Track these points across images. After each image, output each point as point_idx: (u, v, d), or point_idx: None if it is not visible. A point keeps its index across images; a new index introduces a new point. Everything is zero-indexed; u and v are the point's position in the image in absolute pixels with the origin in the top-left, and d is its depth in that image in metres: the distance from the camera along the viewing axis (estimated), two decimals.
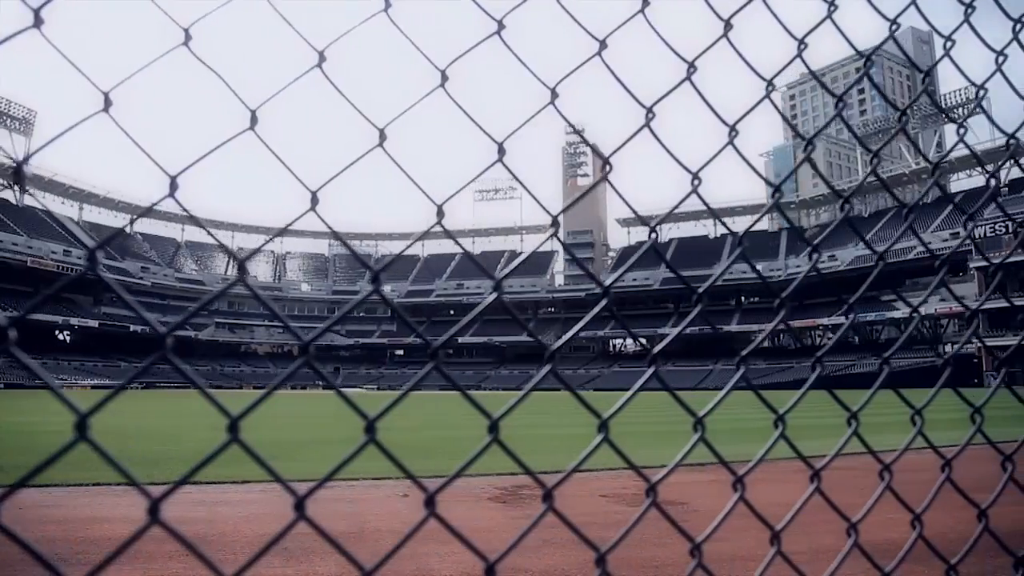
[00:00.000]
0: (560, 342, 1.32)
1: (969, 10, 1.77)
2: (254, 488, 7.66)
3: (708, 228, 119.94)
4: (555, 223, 1.36)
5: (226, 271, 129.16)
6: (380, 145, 1.18)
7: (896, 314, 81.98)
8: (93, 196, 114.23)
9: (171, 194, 1.03)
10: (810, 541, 4.35)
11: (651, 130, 1.42)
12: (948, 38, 1.83)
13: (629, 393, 1.37)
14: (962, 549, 1.92)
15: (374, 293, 1.12)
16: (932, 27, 1.82)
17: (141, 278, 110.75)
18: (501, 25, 1.27)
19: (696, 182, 1.53)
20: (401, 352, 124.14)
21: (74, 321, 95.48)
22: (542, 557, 4.75)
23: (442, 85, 1.22)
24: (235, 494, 7.40)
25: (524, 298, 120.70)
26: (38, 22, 1.06)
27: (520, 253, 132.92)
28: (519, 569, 4.54)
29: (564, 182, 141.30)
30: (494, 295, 1.20)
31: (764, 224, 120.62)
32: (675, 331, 1.57)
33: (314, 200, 1.13)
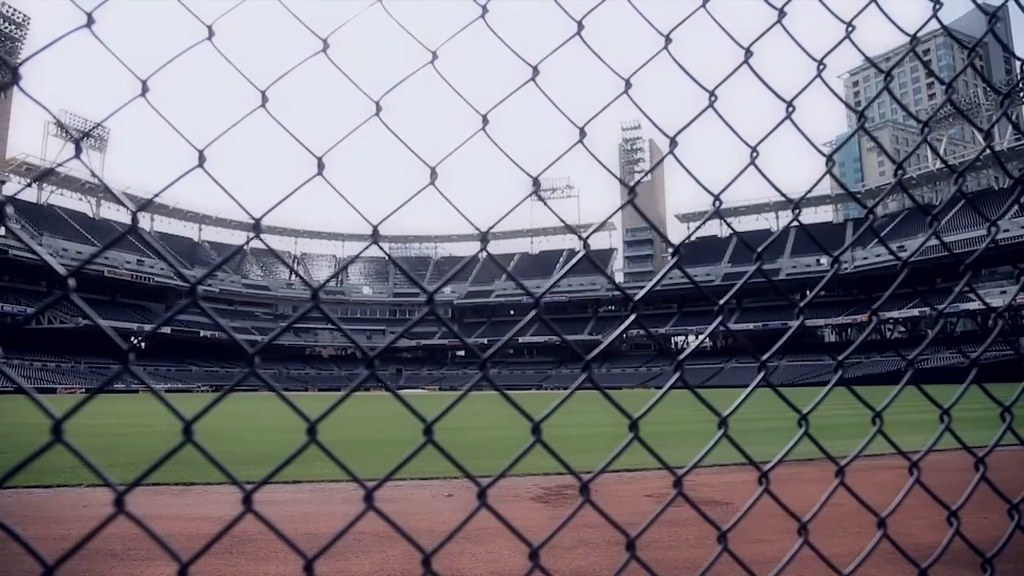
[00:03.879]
0: (686, 353, 1.52)
1: None
2: (304, 488, 7.86)
3: (770, 222, 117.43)
4: (677, 252, 1.55)
5: (289, 277, 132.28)
6: (533, 186, 1.40)
7: (972, 306, 78.79)
8: (163, 208, 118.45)
9: (374, 239, 1.27)
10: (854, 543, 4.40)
11: (757, 168, 1.60)
12: (1021, 59, 1.95)
13: (746, 392, 1.56)
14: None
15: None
16: (1011, 54, 1.94)
17: (209, 285, 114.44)
18: (629, 83, 1.48)
19: (797, 211, 1.70)
20: (462, 353, 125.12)
21: (148, 328, 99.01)
22: (575, 558, 4.73)
23: (580, 141, 1.44)
24: (285, 494, 7.59)
25: (584, 296, 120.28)
26: (264, 100, 1.31)
27: (578, 252, 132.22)
28: (552, 569, 4.51)
29: (622, 179, 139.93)
30: (633, 316, 1.40)
31: (829, 215, 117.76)
32: (778, 337, 1.74)
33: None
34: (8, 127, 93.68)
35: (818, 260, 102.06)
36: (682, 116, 1.63)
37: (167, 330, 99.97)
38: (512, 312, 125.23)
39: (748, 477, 8.29)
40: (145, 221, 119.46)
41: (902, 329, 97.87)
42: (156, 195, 1.32)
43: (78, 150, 1.26)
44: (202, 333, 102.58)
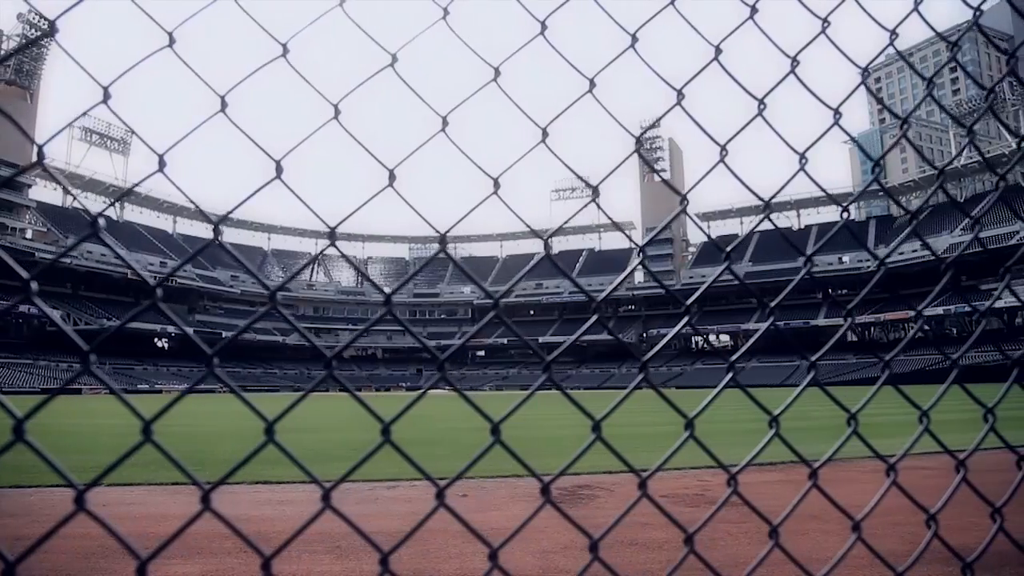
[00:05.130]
0: (649, 355, 1.51)
1: None
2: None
3: (791, 219, 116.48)
4: (641, 251, 1.54)
5: (311, 277, 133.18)
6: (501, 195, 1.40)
7: (998, 304, 77.58)
8: (185, 210, 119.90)
9: (331, 241, 1.27)
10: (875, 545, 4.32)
11: (727, 165, 1.59)
12: (1005, 52, 1.92)
13: (714, 392, 1.54)
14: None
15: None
16: (998, 47, 1.91)
17: (232, 286, 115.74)
18: (593, 83, 1.47)
19: (767, 211, 1.68)
20: (482, 353, 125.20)
21: (171, 329, 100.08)
22: (588, 558, 4.68)
23: (543, 141, 1.44)
24: (303, 493, 7.62)
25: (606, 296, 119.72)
26: (224, 106, 1.32)
27: (598, 251, 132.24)
28: (561, 570, 4.52)
29: (641, 178, 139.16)
30: (595, 317, 1.39)
31: (852, 213, 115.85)
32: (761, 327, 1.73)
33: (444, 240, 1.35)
34: (34, 131, 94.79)
35: (840, 258, 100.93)
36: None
37: (190, 331, 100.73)
38: (532, 312, 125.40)
39: (768, 477, 8.22)
40: (168, 223, 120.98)
41: (926, 327, 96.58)
42: (119, 198, 1.33)
43: (40, 156, 1.28)
44: (224, 335, 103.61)
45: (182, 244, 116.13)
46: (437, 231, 1.36)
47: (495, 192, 1.39)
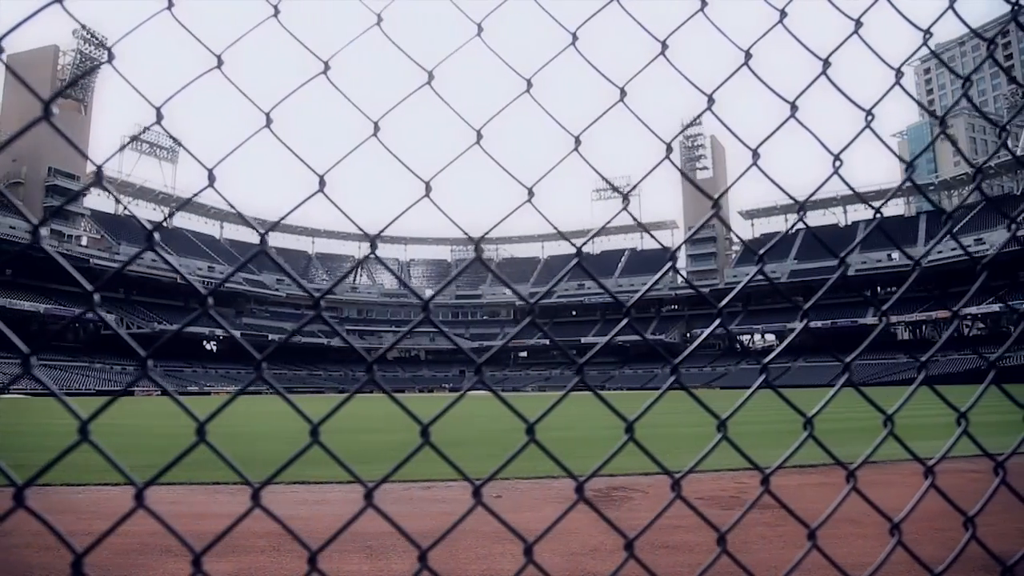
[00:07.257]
0: (586, 357, 1.48)
1: None
2: (357, 488, 7.94)
3: (838, 216, 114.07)
4: (579, 253, 1.52)
5: (354, 280, 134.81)
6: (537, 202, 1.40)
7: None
8: (231, 215, 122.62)
9: (262, 247, 1.28)
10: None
11: (676, 171, 1.56)
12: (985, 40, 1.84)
13: (659, 393, 1.52)
14: None
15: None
16: (979, 36, 1.83)
17: (277, 289, 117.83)
18: (530, 83, 1.46)
19: (715, 208, 1.65)
20: (524, 354, 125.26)
21: (219, 332, 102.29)
22: (617, 560, 4.59)
23: (477, 143, 1.43)
24: (339, 493, 7.75)
25: (646, 296, 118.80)
26: (160, 118, 1.34)
27: (640, 251, 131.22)
28: (589, 572, 4.46)
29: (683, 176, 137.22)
30: (528, 319, 1.38)
31: (900, 209, 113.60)
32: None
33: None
34: (87, 143, 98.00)
35: (889, 255, 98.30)
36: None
37: (237, 334, 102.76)
38: (574, 312, 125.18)
39: (808, 480, 8.07)
40: (215, 229, 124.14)
41: (981, 325, 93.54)
42: (62, 205, 1.36)
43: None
44: (270, 336, 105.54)
45: (228, 249, 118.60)
46: (365, 232, 1.36)
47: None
